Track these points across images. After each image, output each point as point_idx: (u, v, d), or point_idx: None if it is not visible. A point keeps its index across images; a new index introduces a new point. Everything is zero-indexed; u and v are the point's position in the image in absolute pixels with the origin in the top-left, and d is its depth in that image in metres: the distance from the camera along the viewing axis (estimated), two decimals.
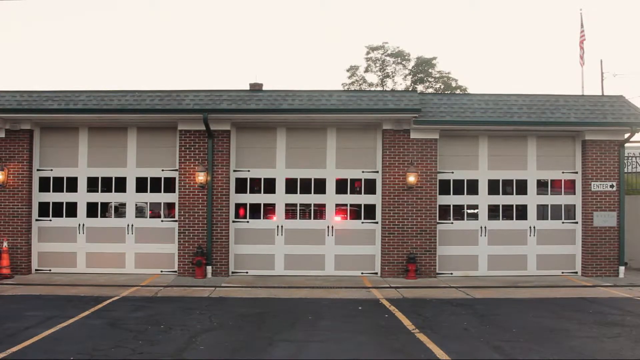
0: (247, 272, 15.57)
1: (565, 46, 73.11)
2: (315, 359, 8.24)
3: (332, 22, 78.89)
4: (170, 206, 15.68)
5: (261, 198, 15.82)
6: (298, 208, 15.82)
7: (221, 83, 67.20)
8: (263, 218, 15.83)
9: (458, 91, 39.12)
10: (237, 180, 15.75)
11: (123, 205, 15.71)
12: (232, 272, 15.52)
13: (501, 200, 15.85)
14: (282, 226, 15.68)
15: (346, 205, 15.83)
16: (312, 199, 15.77)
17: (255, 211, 15.81)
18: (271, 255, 15.67)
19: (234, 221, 15.62)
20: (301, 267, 15.62)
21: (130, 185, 15.66)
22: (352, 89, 40.60)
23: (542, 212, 15.93)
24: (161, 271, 15.46)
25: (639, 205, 17.44)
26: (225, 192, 15.28)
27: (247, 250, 15.66)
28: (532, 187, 15.90)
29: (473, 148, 15.86)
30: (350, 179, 15.82)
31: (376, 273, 15.55)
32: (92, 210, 15.67)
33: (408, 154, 15.32)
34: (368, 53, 42.30)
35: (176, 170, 15.44)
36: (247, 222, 15.73)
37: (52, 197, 15.68)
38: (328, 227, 15.68)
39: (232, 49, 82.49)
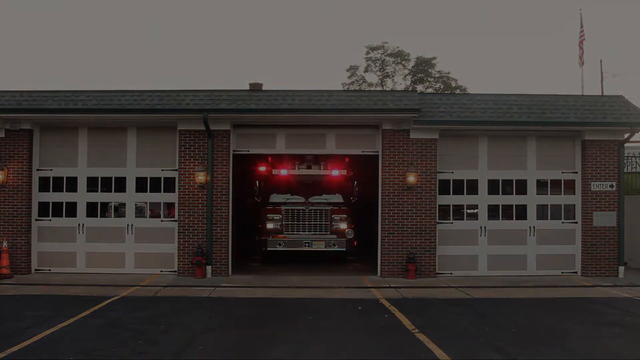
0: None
1: (565, 46, 73.24)
2: (315, 359, 8.24)
3: (332, 22, 78.90)
4: (170, 206, 15.67)
5: None
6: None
7: (221, 83, 67.21)
8: None
9: (458, 91, 39.06)
10: None
11: (123, 205, 15.69)
12: (232, 272, 15.53)
13: (501, 200, 15.82)
14: None
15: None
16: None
17: None
18: None
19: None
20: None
21: (130, 185, 15.64)
22: (352, 89, 40.53)
23: (542, 212, 15.91)
24: (161, 271, 15.44)
25: (639, 205, 17.44)
26: (225, 192, 15.27)
27: None
28: (531, 187, 15.88)
29: (473, 148, 15.84)
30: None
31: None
32: (92, 210, 15.64)
33: (408, 154, 15.31)
34: (368, 53, 42.30)
35: (176, 170, 15.42)
36: None
37: (51, 196, 15.65)
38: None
39: (232, 49, 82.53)
